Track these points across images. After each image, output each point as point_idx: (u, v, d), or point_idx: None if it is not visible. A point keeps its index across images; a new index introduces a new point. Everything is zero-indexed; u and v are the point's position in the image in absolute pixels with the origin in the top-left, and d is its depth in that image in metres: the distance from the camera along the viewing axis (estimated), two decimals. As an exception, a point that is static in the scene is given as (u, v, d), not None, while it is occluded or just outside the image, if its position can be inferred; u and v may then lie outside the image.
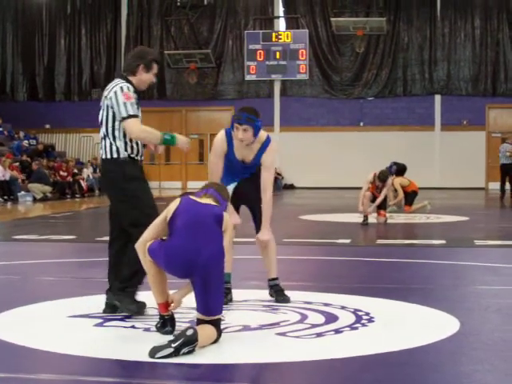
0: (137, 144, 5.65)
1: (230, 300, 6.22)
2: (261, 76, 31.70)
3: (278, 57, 31.42)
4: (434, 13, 31.02)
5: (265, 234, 6.33)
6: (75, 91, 32.94)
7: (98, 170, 29.52)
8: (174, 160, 32.42)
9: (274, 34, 31.59)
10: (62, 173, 26.14)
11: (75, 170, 27.25)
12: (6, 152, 25.91)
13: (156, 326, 5.15)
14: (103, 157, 5.68)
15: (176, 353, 4.48)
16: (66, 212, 18.40)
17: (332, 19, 30.02)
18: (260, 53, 31.51)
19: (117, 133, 5.59)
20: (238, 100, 31.89)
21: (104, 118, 5.64)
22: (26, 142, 29.42)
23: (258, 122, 6.05)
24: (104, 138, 5.66)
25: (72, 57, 32.90)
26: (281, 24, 32.54)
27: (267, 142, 6.25)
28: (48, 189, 24.41)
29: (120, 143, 5.60)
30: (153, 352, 4.48)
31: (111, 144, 5.61)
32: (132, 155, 5.62)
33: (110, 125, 5.61)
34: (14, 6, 33.26)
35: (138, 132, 5.54)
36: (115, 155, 5.60)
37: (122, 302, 5.63)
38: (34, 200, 23.36)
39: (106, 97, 5.63)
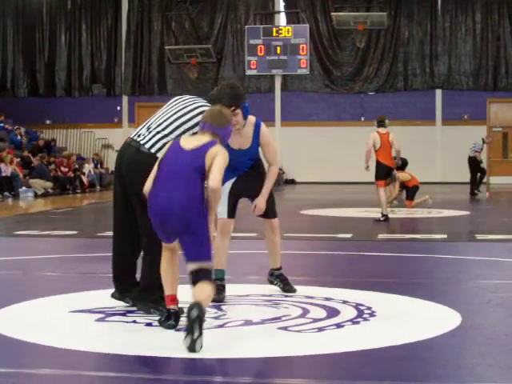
0: None
1: (224, 298, 6.11)
2: (261, 71, 31.67)
3: (278, 52, 31.38)
4: (435, 7, 30.97)
5: (261, 202, 6.24)
6: (76, 87, 32.89)
7: (99, 166, 29.51)
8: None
9: (274, 29, 31.56)
10: (63, 168, 26.13)
11: (76, 166, 27.23)
12: (7, 148, 25.89)
13: (159, 320, 5.14)
14: (146, 146, 5.45)
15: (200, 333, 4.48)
16: (67, 207, 18.40)
17: (332, 14, 29.96)
18: (261, 48, 31.48)
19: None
20: (239, 95, 31.85)
21: (182, 127, 5.49)
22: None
23: (245, 103, 6.01)
24: (156, 132, 5.49)
25: (72, 52, 32.84)
26: (281, 19, 32.48)
27: (259, 122, 6.25)
28: (49, 184, 24.42)
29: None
30: (192, 348, 4.46)
31: (159, 140, 5.46)
32: None
33: (175, 129, 5.49)
34: (15, 1, 33.20)
35: None
36: (153, 150, 5.45)
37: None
38: (35, 196, 23.37)
39: (196, 114, 5.51)
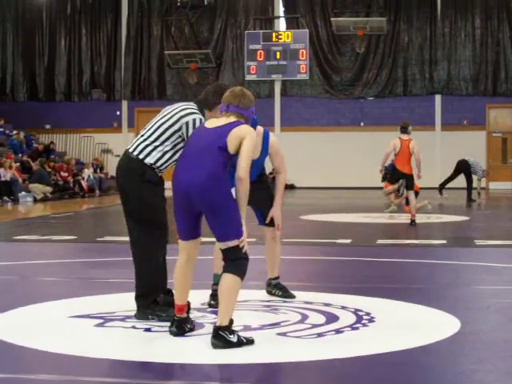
0: (164, 164, 5.64)
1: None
2: (261, 76, 31.66)
3: (278, 57, 31.37)
4: (435, 13, 30.97)
5: (277, 212, 6.44)
6: (75, 91, 32.88)
7: (99, 170, 29.50)
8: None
9: (274, 34, 31.54)
10: (62, 173, 26.12)
11: (75, 170, 27.20)
12: (6, 152, 25.88)
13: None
14: (130, 150, 5.66)
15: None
16: (67, 212, 18.39)
17: (332, 19, 29.95)
18: (260, 53, 31.47)
19: (161, 147, 5.60)
20: (239, 100, 31.81)
21: (162, 127, 5.63)
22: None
23: (253, 116, 6.07)
24: (141, 136, 5.70)
25: (72, 57, 32.82)
26: (281, 24, 32.48)
27: (267, 131, 6.45)
28: (48, 189, 24.41)
29: (156, 153, 5.59)
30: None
31: (147, 146, 5.61)
32: (154, 166, 5.60)
33: (161, 134, 5.61)
34: (15, 6, 33.21)
35: None
36: (142, 156, 5.59)
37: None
38: (35, 200, 23.36)
39: (181, 116, 5.62)
